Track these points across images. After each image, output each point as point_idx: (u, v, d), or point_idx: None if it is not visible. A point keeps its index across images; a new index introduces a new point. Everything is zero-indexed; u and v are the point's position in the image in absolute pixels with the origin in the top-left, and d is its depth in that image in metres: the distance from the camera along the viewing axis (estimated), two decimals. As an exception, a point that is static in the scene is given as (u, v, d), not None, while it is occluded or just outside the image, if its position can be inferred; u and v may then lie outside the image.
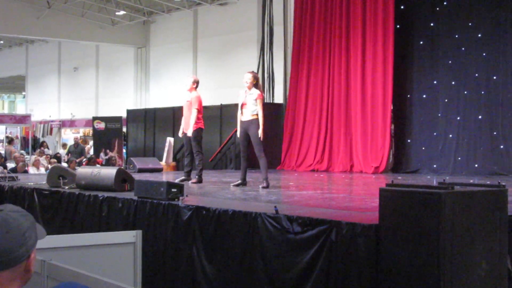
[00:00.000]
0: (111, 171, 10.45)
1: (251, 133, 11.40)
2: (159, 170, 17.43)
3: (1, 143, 33.47)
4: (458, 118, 16.86)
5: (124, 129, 28.22)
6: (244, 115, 11.50)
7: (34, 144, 32.65)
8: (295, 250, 6.53)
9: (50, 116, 40.02)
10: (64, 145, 31.42)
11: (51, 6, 30.67)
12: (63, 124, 39.17)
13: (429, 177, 15.55)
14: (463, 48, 16.87)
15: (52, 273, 4.99)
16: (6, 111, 53.81)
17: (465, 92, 16.78)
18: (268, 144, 20.50)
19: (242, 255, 7.19)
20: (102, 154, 26.58)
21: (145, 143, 25.47)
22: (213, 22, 28.79)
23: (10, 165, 20.09)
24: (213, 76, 27.26)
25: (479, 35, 16.57)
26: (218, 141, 22.02)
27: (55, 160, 22.53)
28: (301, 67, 20.34)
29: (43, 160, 21.75)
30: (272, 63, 21.96)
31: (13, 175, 13.56)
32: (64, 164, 19.48)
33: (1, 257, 2.49)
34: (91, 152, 28.44)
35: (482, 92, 16.50)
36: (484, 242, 5.59)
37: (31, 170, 19.47)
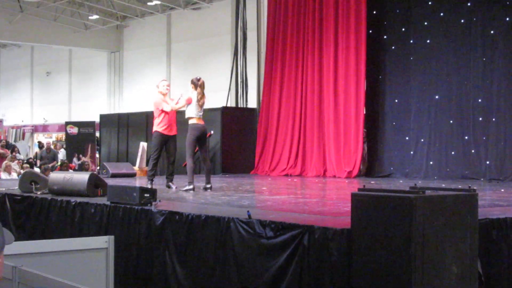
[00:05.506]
0: (83, 176, 10.41)
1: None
2: (133, 175, 17.38)
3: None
4: (430, 122, 16.99)
5: (97, 134, 28.08)
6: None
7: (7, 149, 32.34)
8: (267, 254, 6.55)
9: (22, 121, 39.71)
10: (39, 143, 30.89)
11: (24, 10, 30.47)
12: (35, 129, 38.88)
13: (401, 181, 15.62)
14: (434, 53, 17.01)
15: (23, 279, 4.96)
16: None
17: (437, 97, 16.91)
18: (242, 149, 20.59)
19: (215, 260, 7.19)
20: (75, 159, 26.43)
21: (118, 148, 25.36)
22: (186, 26, 28.77)
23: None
24: (186, 80, 27.06)
25: (451, 40, 16.72)
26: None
27: (28, 165, 22.39)
28: (275, 72, 20.39)
29: (15, 165, 21.57)
30: (245, 68, 22.01)
31: (-16, 180, 13.45)
32: (37, 169, 19.35)
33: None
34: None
35: (454, 97, 16.64)
36: (455, 246, 5.63)
37: (3, 175, 19.31)
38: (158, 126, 12.27)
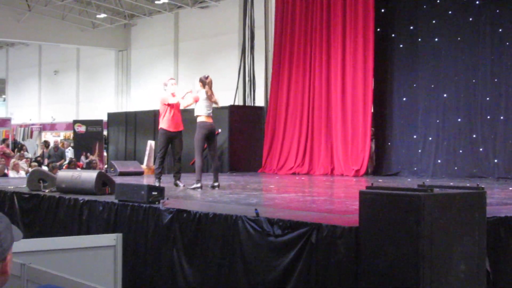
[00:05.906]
0: (91, 175, 10.43)
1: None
2: (140, 174, 17.39)
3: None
4: (438, 121, 16.94)
5: (105, 133, 28.13)
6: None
7: (14, 147, 32.45)
8: (275, 252, 6.55)
9: (30, 120, 39.78)
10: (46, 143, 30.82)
11: (32, 9, 30.52)
12: (43, 127, 38.95)
13: (409, 179, 15.60)
14: (442, 52, 16.96)
15: (31, 276, 4.97)
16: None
17: (445, 95, 16.86)
18: (249, 147, 20.58)
19: (223, 258, 7.19)
20: (82, 158, 26.48)
21: (126, 146, 25.37)
22: (194, 25, 28.78)
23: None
24: (194, 79, 27.16)
25: (459, 39, 16.67)
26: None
27: (36, 164, 22.44)
28: (282, 70, 20.35)
29: (23, 163, 21.63)
30: (253, 66, 21.98)
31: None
32: (45, 168, 19.40)
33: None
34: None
35: (462, 95, 16.59)
36: (463, 244, 5.62)
37: (11, 173, 19.36)
38: (164, 123, 12.30)
